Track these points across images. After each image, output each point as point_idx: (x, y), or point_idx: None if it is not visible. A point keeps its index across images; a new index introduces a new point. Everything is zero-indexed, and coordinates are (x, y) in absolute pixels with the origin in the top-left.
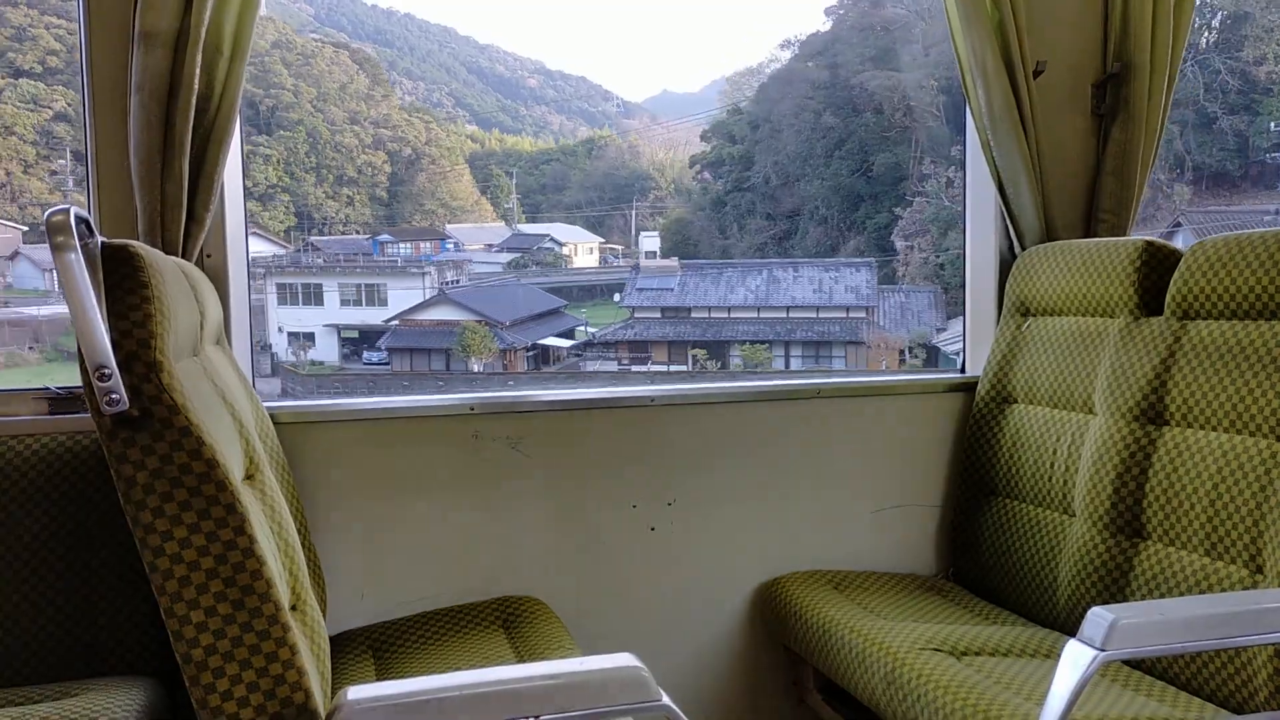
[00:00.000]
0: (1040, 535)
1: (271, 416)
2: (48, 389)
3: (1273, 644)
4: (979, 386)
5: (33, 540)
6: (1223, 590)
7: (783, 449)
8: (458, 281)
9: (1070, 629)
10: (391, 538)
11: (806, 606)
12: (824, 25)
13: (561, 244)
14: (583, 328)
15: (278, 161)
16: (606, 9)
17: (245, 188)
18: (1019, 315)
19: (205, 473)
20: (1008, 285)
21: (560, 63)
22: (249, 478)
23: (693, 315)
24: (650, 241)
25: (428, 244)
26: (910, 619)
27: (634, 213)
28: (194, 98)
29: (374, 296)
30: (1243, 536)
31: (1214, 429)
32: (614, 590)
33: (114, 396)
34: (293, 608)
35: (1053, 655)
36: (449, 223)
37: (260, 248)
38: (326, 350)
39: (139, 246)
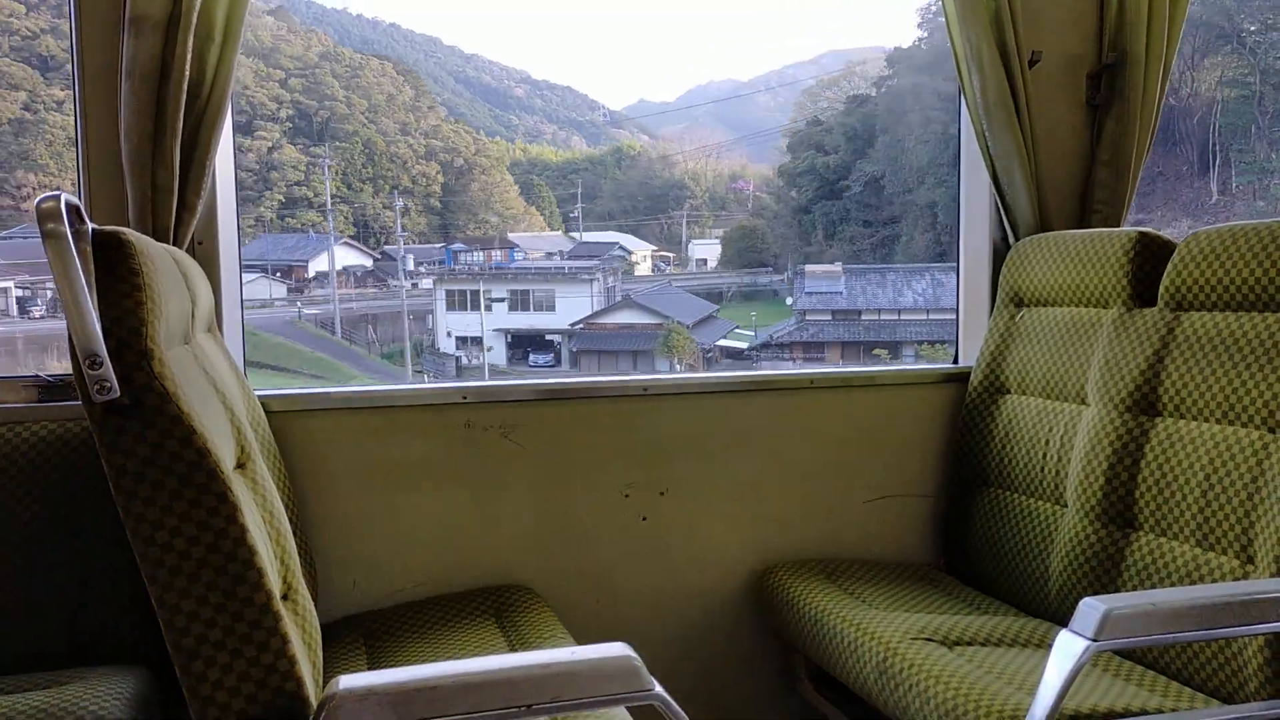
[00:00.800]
0: (1032, 525)
1: (263, 405)
2: (38, 376)
3: (1263, 634)
4: (972, 377)
5: (23, 528)
6: (1214, 581)
7: (776, 438)
8: (614, 287)
9: (1062, 619)
10: (384, 526)
11: (799, 596)
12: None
13: (630, 252)
14: (736, 331)
15: (336, 172)
16: (583, 19)
17: (306, 198)
18: (1012, 306)
19: (196, 461)
20: (1001, 275)
21: (545, 72)
22: (240, 466)
23: (863, 318)
24: (704, 249)
25: (498, 252)
26: (902, 609)
27: (684, 221)
28: (185, 84)
29: (543, 302)
30: (1234, 527)
31: (1206, 420)
32: (606, 579)
33: (105, 384)
34: (284, 597)
35: (1044, 645)
36: (500, 232)
37: (350, 258)
38: (494, 354)
39: (130, 234)
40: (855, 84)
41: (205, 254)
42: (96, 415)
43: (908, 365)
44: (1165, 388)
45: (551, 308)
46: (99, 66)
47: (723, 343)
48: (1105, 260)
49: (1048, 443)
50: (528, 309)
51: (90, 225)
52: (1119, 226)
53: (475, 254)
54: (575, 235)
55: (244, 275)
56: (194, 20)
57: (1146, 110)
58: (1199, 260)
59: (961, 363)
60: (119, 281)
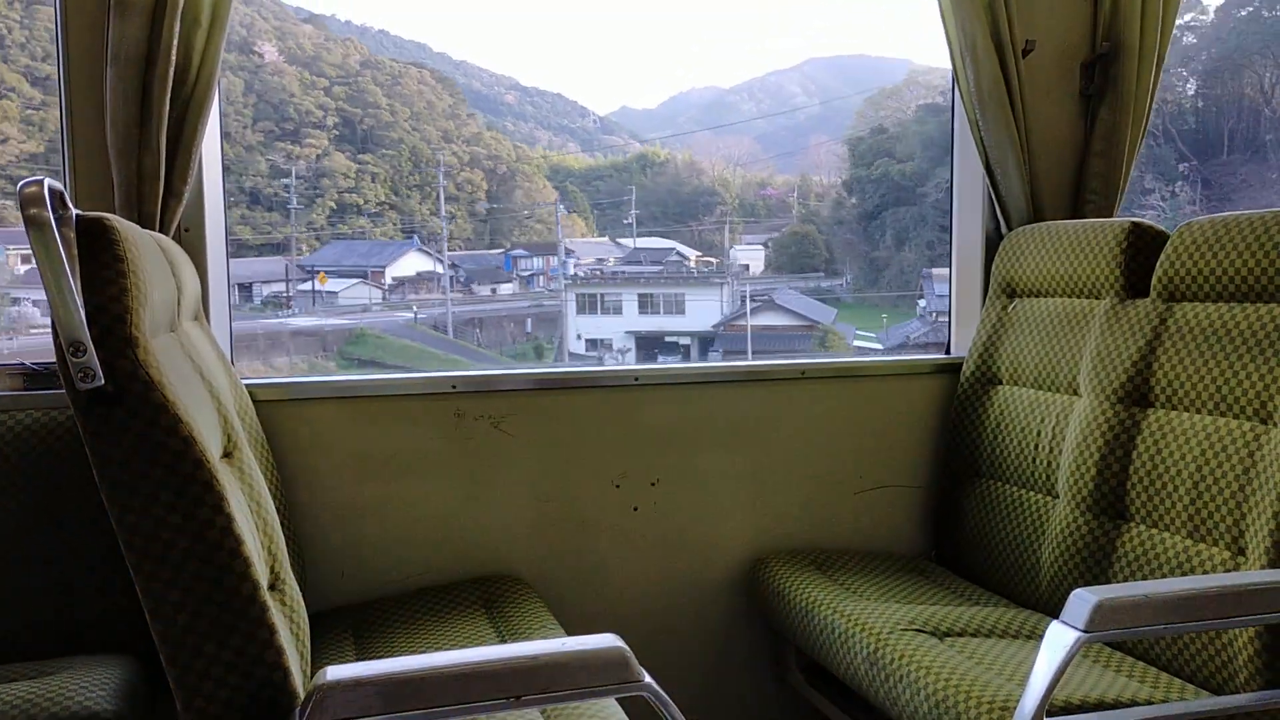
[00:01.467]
0: (1023, 516)
1: (250, 394)
2: (23, 364)
3: (1254, 626)
4: (964, 367)
5: (8, 517)
6: (1205, 572)
7: (767, 429)
8: (743, 290)
9: (1053, 610)
10: (372, 516)
11: (789, 587)
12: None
13: (687, 257)
14: (858, 333)
15: (384, 179)
16: (564, 24)
17: (357, 205)
18: (1005, 296)
19: (181, 450)
20: (994, 266)
21: (532, 79)
22: (227, 455)
23: None
24: (746, 254)
25: (554, 258)
26: (893, 600)
27: (727, 227)
28: (171, 68)
29: (672, 305)
30: (1225, 519)
31: (1198, 411)
32: (597, 570)
33: (89, 372)
34: (271, 587)
35: (1035, 636)
36: (545, 239)
37: (421, 264)
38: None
39: (114, 220)
40: (918, 93)
41: (192, 241)
42: (80, 403)
43: (900, 356)
44: (1157, 379)
45: (681, 310)
46: (84, 51)
47: (857, 344)
48: (1098, 250)
49: (1039, 434)
50: (657, 311)
51: (74, 211)
52: (1112, 217)
53: (535, 259)
54: (621, 241)
55: (341, 281)
56: (180, 4)
57: (1140, 100)
58: (1192, 251)
59: (953, 353)
60: (103, 268)
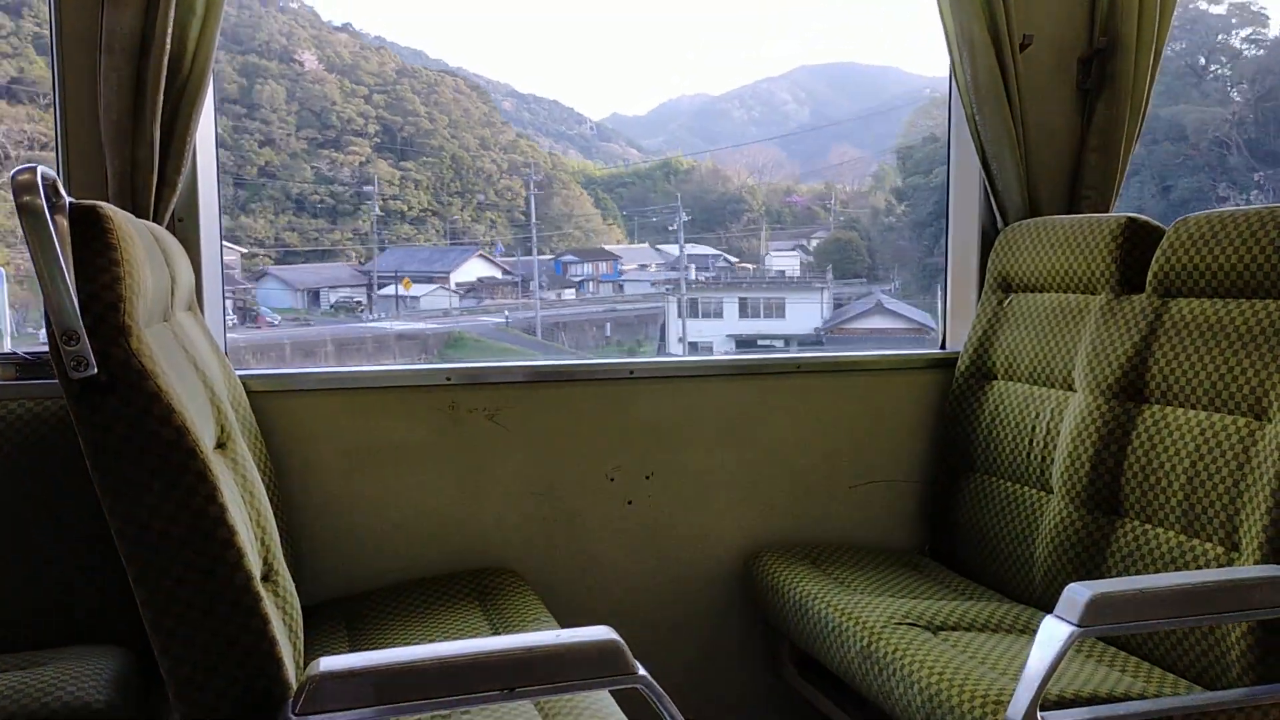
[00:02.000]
0: (1018, 511)
1: (244, 385)
2: (15, 353)
3: (1246, 621)
4: (959, 362)
5: (1, 507)
6: (1199, 567)
7: (761, 423)
8: (840, 294)
9: (1046, 605)
10: (366, 508)
11: (783, 581)
12: None
13: (733, 263)
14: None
15: (427, 186)
16: (557, 32)
17: (401, 211)
18: (1000, 291)
19: (174, 440)
20: (990, 260)
21: (528, 85)
22: (220, 446)
23: None
24: (782, 260)
25: (604, 264)
26: (887, 594)
27: (762, 234)
28: (165, 58)
29: (773, 309)
30: (1219, 514)
31: (1193, 407)
32: (591, 563)
33: (81, 361)
34: (264, 578)
35: (1029, 631)
36: (581, 244)
37: (482, 270)
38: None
39: (108, 208)
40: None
41: (186, 231)
42: (73, 392)
43: (895, 350)
44: (1152, 374)
45: (781, 314)
46: (78, 39)
47: None
48: (1093, 245)
49: (1034, 429)
50: (758, 315)
51: (68, 199)
52: (1108, 212)
53: (584, 265)
54: (661, 247)
55: (420, 286)
56: None
57: (1137, 96)
58: (1187, 246)
59: (949, 347)
60: (96, 256)
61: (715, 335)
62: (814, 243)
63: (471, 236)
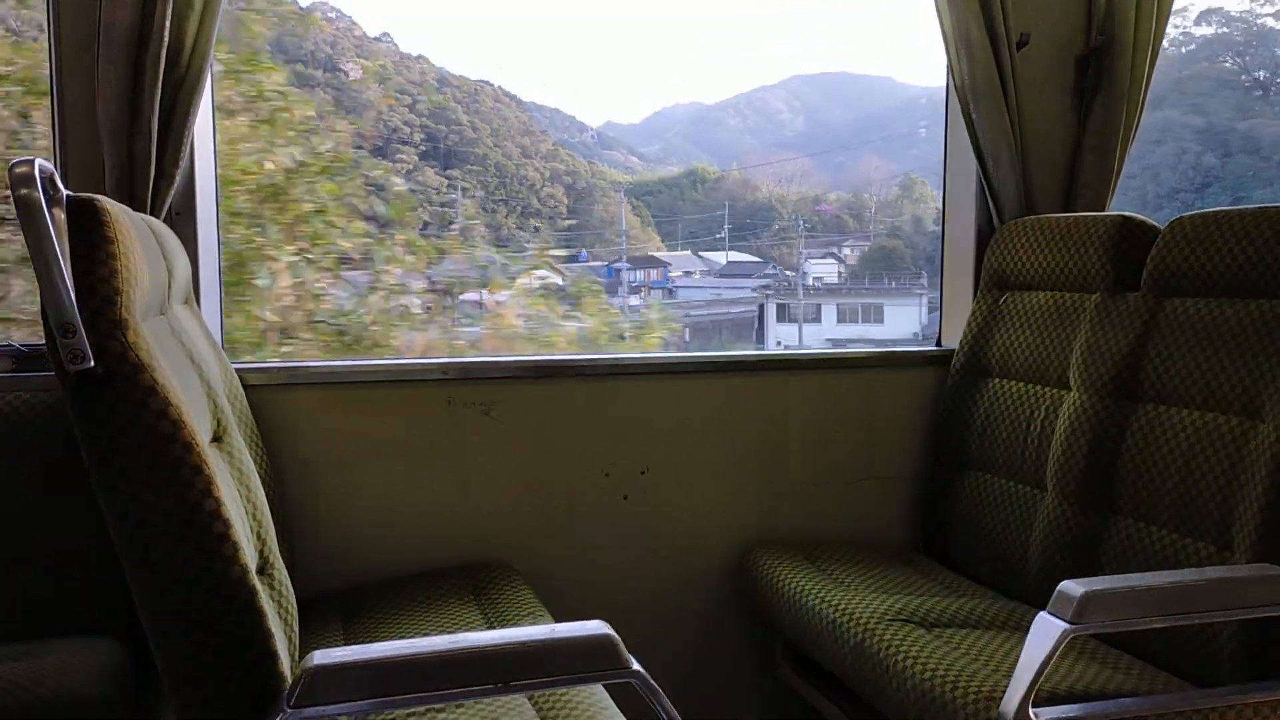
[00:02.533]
0: (1012, 509)
1: (241, 378)
2: (11, 346)
3: (1238, 619)
4: (954, 359)
5: None
6: (1191, 566)
7: (757, 419)
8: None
9: (1040, 602)
10: (362, 502)
11: (778, 577)
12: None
13: (777, 269)
14: None
15: (472, 194)
16: (552, 40)
17: (449, 219)
18: (996, 288)
19: (171, 433)
20: (985, 258)
21: (531, 94)
22: (217, 439)
23: None
24: (820, 267)
25: (654, 270)
26: (881, 590)
27: (802, 241)
28: (164, 50)
29: (870, 314)
30: (1213, 513)
31: (1187, 406)
32: (586, 558)
33: (78, 354)
34: (260, 571)
35: (1022, 628)
36: (623, 251)
37: (551, 277)
38: None
39: (105, 201)
40: None
41: (183, 225)
42: (70, 385)
43: (890, 347)
44: (1147, 373)
45: (880, 319)
46: (76, 31)
47: None
48: (1089, 244)
49: (1029, 426)
50: (855, 321)
51: (65, 192)
52: (1104, 211)
53: (636, 272)
54: (703, 254)
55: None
56: None
57: (1134, 95)
58: (1182, 245)
59: (944, 345)
60: (94, 249)
61: (815, 340)
62: (844, 250)
63: (517, 244)
